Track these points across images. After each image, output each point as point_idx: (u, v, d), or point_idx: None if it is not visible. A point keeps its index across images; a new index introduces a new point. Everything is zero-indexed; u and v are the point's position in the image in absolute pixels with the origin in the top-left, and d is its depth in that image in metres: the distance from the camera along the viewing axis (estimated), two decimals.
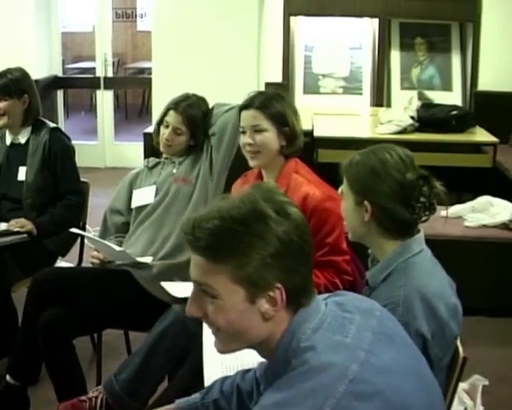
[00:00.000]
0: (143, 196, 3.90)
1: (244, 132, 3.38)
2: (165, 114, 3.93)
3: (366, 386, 1.64)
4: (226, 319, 1.76)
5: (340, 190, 2.66)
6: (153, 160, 4.04)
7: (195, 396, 2.23)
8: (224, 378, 2.23)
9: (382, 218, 2.50)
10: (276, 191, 1.85)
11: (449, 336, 2.40)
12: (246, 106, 3.39)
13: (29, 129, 4.40)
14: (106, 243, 3.67)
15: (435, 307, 2.37)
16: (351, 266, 3.33)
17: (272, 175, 3.38)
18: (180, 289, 3.17)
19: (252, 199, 1.76)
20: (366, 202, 2.50)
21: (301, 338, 1.73)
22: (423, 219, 2.52)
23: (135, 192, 3.95)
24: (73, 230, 3.81)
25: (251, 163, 3.42)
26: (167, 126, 3.89)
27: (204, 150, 3.89)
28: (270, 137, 3.34)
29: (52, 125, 4.48)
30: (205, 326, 2.73)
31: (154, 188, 3.89)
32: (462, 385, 3.19)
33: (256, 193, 1.79)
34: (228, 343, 1.82)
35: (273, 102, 3.35)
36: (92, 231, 4.07)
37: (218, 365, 2.65)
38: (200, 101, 3.97)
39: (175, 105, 3.90)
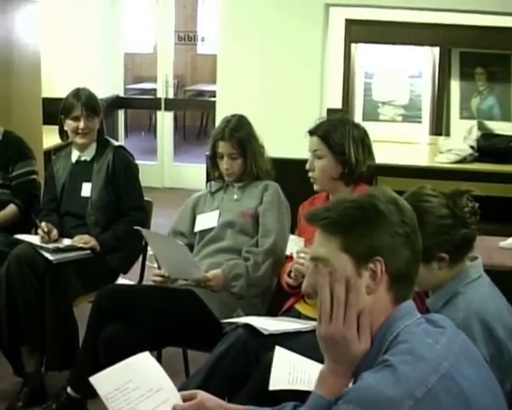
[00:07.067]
0: (207, 220, 3.99)
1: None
2: (214, 146, 4.00)
3: (454, 385, 1.72)
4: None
5: None
6: (215, 184, 4.11)
7: (267, 408, 2.27)
8: (299, 404, 2.26)
9: (458, 253, 2.55)
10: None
11: (507, 358, 2.44)
12: (311, 132, 3.57)
13: (94, 147, 4.47)
14: (169, 239, 3.81)
15: (493, 328, 2.42)
16: None
17: None
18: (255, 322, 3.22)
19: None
20: (441, 254, 2.52)
21: (395, 332, 1.82)
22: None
23: (199, 217, 4.04)
24: (140, 228, 3.82)
25: (314, 187, 3.58)
26: (222, 157, 3.97)
27: (260, 188, 3.96)
28: (326, 164, 3.52)
29: (116, 143, 4.58)
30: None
31: (217, 213, 3.98)
32: None
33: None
34: None
35: (335, 132, 3.52)
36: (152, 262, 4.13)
37: (285, 374, 2.68)
38: (240, 119, 4.03)
39: (221, 134, 3.96)
